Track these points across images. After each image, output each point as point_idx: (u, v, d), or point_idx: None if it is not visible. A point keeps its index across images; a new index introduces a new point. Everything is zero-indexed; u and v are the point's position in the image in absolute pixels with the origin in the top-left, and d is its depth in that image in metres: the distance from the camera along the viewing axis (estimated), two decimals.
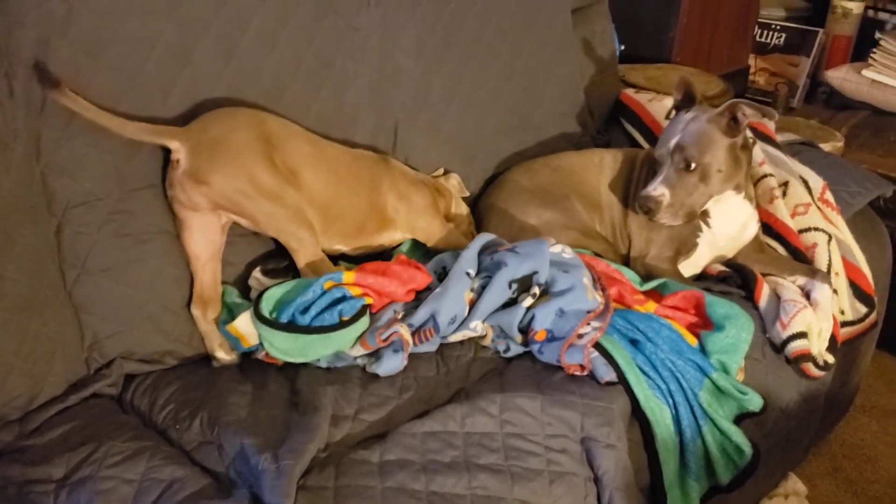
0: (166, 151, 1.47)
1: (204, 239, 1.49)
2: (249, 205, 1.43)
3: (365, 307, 1.43)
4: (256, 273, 1.58)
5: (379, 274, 1.47)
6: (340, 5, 1.73)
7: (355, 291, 1.44)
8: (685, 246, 1.73)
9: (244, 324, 1.45)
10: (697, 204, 1.65)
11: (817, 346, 1.65)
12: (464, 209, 1.88)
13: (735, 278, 1.76)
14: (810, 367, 1.63)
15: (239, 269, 1.61)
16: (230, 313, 1.51)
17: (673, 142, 1.63)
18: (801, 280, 1.73)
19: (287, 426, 1.28)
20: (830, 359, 1.67)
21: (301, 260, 1.50)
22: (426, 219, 1.73)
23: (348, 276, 1.44)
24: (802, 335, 1.63)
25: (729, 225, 1.74)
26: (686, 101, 1.73)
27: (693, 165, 1.61)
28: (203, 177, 1.40)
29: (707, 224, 1.73)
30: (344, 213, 1.61)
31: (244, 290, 1.60)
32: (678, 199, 1.63)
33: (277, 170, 1.47)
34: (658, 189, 1.63)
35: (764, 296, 1.69)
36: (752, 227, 1.78)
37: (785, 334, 1.62)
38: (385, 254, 1.74)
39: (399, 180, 1.73)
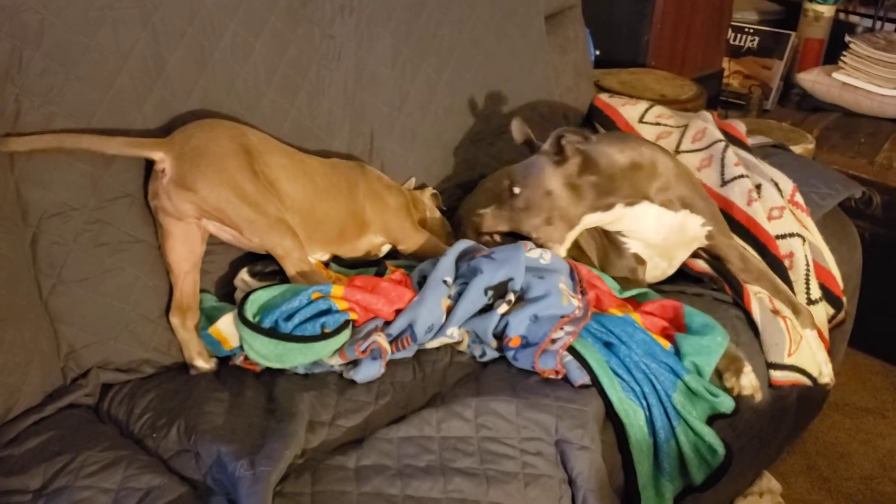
0: (148, 163, 1.48)
1: (186, 249, 1.50)
2: (233, 212, 1.45)
3: (347, 322, 1.44)
4: (243, 274, 1.59)
5: (367, 291, 1.47)
6: (315, 14, 1.74)
7: (342, 305, 1.44)
8: (629, 262, 1.75)
9: (227, 325, 1.46)
10: (525, 227, 1.63)
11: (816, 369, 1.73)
12: (436, 215, 1.90)
13: (713, 281, 1.78)
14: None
15: (214, 278, 1.61)
16: (208, 320, 1.52)
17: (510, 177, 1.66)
18: (785, 312, 1.73)
19: (264, 433, 1.29)
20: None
21: (289, 268, 1.51)
22: (399, 220, 1.75)
23: (337, 290, 1.44)
24: (802, 371, 1.68)
25: (651, 232, 1.70)
26: (530, 145, 1.74)
27: (517, 191, 1.62)
28: (189, 184, 1.42)
29: (619, 234, 1.72)
30: (324, 221, 1.62)
31: (222, 296, 1.61)
32: (502, 218, 1.66)
33: (259, 179, 1.49)
34: (485, 211, 1.67)
35: (755, 305, 1.70)
36: (694, 228, 1.72)
37: (787, 361, 1.65)
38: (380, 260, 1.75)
39: (374, 183, 1.75)
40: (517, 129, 1.77)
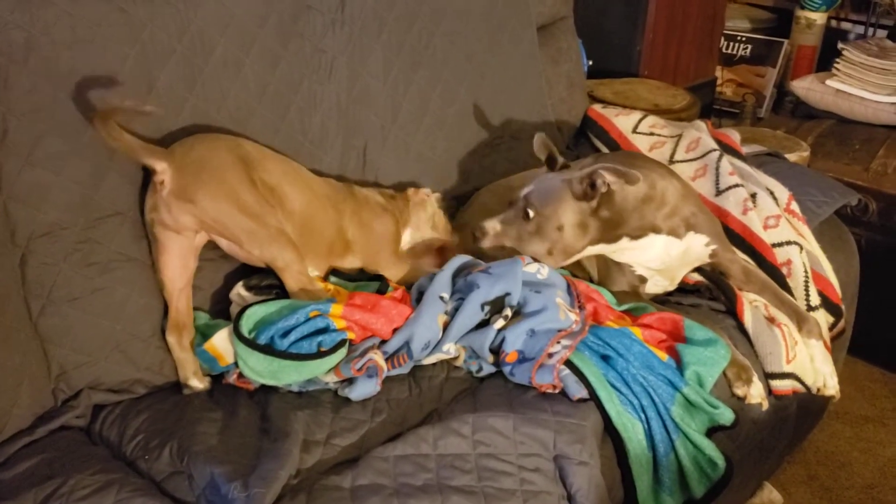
0: (143, 180, 1.48)
1: (181, 264, 1.49)
2: (233, 223, 1.44)
3: (344, 341, 1.42)
4: (239, 288, 1.57)
5: (367, 310, 1.46)
6: (306, 28, 1.74)
7: (339, 324, 1.43)
8: (631, 278, 1.74)
9: (222, 341, 1.45)
10: (531, 252, 1.60)
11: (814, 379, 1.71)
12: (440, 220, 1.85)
13: (708, 290, 1.77)
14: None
15: (206, 294, 1.60)
16: (202, 337, 1.51)
17: (524, 191, 1.62)
18: (782, 319, 1.71)
19: (258, 453, 1.27)
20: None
21: (288, 280, 1.50)
22: (380, 248, 1.72)
23: (336, 308, 1.43)
24: (799, 379, 1.67)
25: (657, 262, 1.70)
26: (552, 161, 1.71)
27: (531, 214, 1.59)
28: (189, 195, 1.41)
29: (628, 263, 1.71)
30: (318, 232, 1.61)
31: (215, 314, 1.59)
32: (507, 239, 1.61)
33: (258, 190, 1.49)
34: (491, 223, 1.62)
35: (748, 315, 1.68)
36: (698, 249, 1.72)
37: (786, 369, 1.64)
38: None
39: (362, 208, 1.72)
40: (540, 144, 1.74)
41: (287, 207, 1.54)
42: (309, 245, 1.60)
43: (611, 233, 1.61)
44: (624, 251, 1.66)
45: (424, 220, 1.82)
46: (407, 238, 1.81)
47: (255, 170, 1.50)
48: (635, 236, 1.63)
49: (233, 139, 1.54)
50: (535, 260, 1.58)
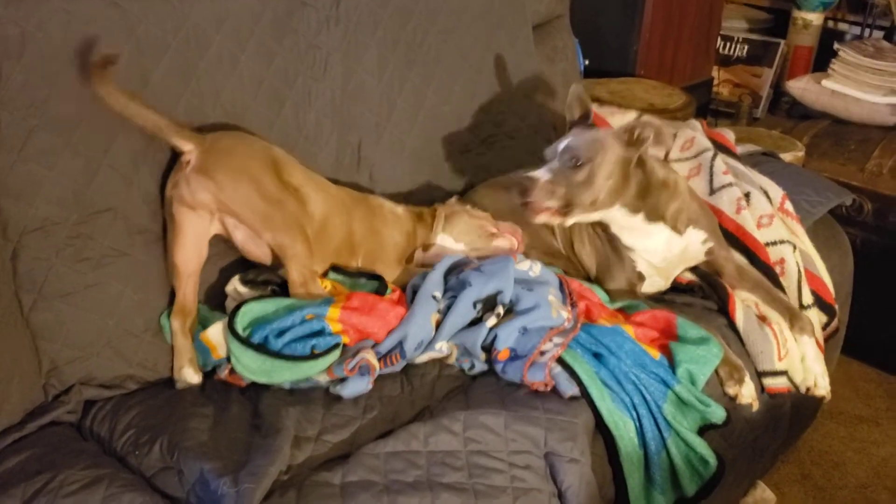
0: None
1: (194, 248, 1.50)
2: (250, 205, 1.46)
3: (338, 345, 1.42)
4: (235, 283, 1.57)
5: (364, 312, 1.45)
6: (300, 25, 1.73)
7: (335, 328, 1.43)
8: (631, 274, 1.74)
9: (216, 333, 1.45)
10: (578, 202, 1.54)
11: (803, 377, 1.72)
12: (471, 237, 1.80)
13: (701, 290, 1.77)
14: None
15: (202, 289, 1.58)
16: (200, 327, 1.51)
17: (563, 143, 1.59)
18: (774, 317, 1.71)
19: (248, 449, 1.27)
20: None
21: (293, 270, 1.50)
22: (383, 255, 1.72)
23: (333, 312, 1.43)
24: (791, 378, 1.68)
25: (659, 258, 1.71)
26: (583, 118, 1.71)
27: (580, 161, 1.54)
28: (211, 174, 1.44)
29: (628, 249, 1.71)
30: (331, 235, 1.63)
31: (211, 308, 1.59)
32: (558, 188, 1.53)
33: (282, 181, 1.52)
34: (538, 173, 1.55)
35: (739, 314, 1.69)
36: (696, 246, 1.73)
37: (778, 367, 1.64)
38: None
39: (374, 215, 1.73)
40: (574, 98, 1.71)
41: (308, 210, 1.56)
42: (318, 249, 1.60)
43: (636, 201, 1.62)
44: (634, 230, 1.67)
45: (465, 229, 1.78)
46: (462, 247, 1.76)
47: (281, 170, 1.54)
48: (649, 218, 1.65)
49: (261, 140, 1.59)
50: (562, 212, 1.54)
